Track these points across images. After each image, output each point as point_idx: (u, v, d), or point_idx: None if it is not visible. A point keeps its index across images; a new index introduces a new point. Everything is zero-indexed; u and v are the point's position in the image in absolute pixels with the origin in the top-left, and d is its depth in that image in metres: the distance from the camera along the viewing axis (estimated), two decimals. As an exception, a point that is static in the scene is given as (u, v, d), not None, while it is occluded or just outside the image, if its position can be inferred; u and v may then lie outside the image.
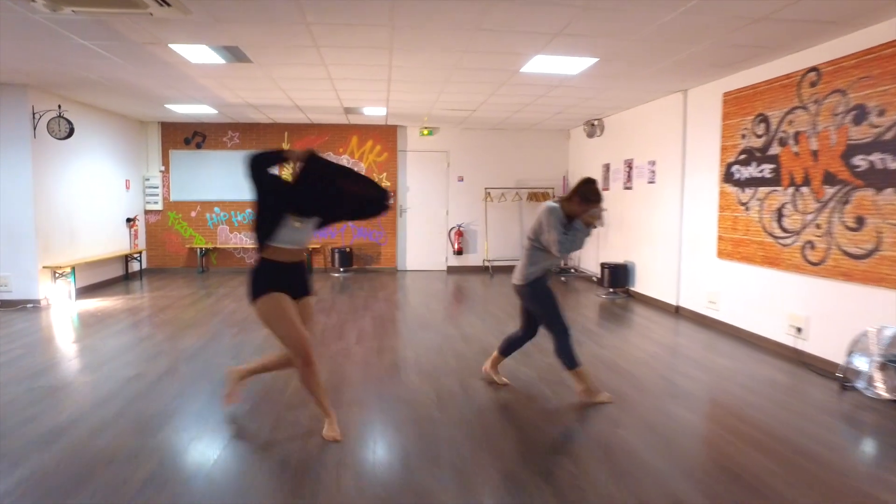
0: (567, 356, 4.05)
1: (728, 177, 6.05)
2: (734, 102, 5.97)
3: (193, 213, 10.33)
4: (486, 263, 10.83)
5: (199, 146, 10.23)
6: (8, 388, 4.15)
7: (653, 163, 7.74)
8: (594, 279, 9.58)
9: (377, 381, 4.51)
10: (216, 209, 10.37)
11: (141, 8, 4.11)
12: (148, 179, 10.16)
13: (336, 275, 10.16)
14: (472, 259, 10.93)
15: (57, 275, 7.50)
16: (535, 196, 10.73)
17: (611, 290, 8.40)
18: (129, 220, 9.68)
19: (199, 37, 4.93)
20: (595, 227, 4.07)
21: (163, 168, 10.20)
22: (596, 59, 5.52)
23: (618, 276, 8.37)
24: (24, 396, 3.99)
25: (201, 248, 10.29)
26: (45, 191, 7.43)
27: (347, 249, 10.24)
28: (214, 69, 6.08)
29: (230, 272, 10.25)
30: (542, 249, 4.01)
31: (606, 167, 9.30)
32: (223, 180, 10.27)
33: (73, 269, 7.63)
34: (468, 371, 4.71)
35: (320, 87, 6.99)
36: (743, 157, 5.82)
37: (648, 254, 7.90)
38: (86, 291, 8.12)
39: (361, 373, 4.67)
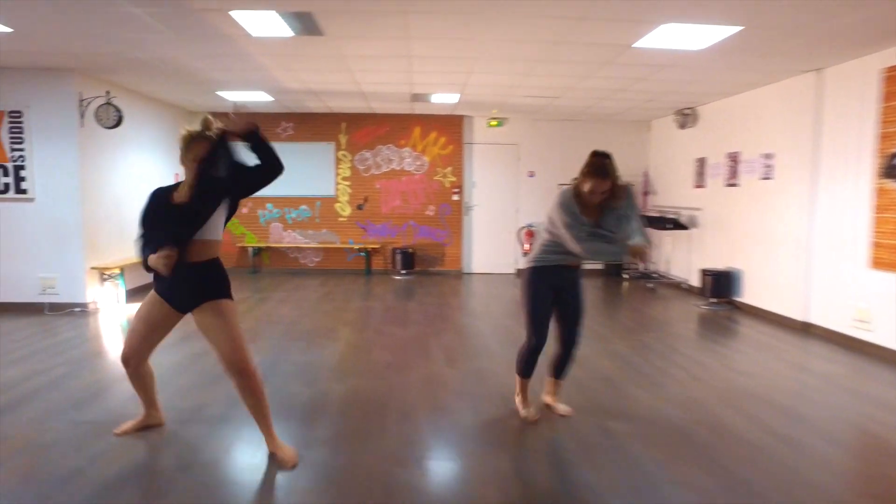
0: (520, 362, 3.58)
1: (891, 171, 5.01)
2: (901, 80, 4.93)
3: (244, 210, 9.65)
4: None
5: (251, 138, 9.53)
6: (48, 423, 3.44)
7: (769, 156, 6.70)
8: (684, 286, 8.58)
9: (494, 422, 3.64)
10: (268, 205, 9.68)
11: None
12: (198, 173, 9.52)
13: (398, 277, 9.36)
14: (541, 261, 9.99)
15: (105, 276, 6.87)
16: (614, 193, 9.73)
17: (712, 300, 7.40)
18: (178, 216, 9.04)
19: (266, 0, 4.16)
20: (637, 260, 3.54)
21: (213, 161, 9.53)
22: (739, 28, 4.55)
23: (721, 284, 7.36)
24: (67, 436, 3.26)
25: (253, 248, 9.61)
26: (92, 185, 6.81)
27: (410, 250, 9.44)
28: (278, 45, 5.30)
29: (283, 273, 9.56)
30: (554, 240, 3.41)
31: (701, 161, 8.28)
32: (276, 174, 9.56)
33: (123, 270, 7.00)
34: (598, 405, 3.82)
35: (394, 66, 6.18)
36: (914, 146, 4.79)
37: (761, 260, 6.86)
38: (135, 294, 7.46)
39: (470, 410, 3.81)
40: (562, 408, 3.71)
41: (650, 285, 8.82)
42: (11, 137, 6.45)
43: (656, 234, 9.14)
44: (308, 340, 5.44)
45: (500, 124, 9.66)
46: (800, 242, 6.18)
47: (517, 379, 3.66)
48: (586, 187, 3.23)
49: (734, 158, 7.44)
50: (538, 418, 3.58)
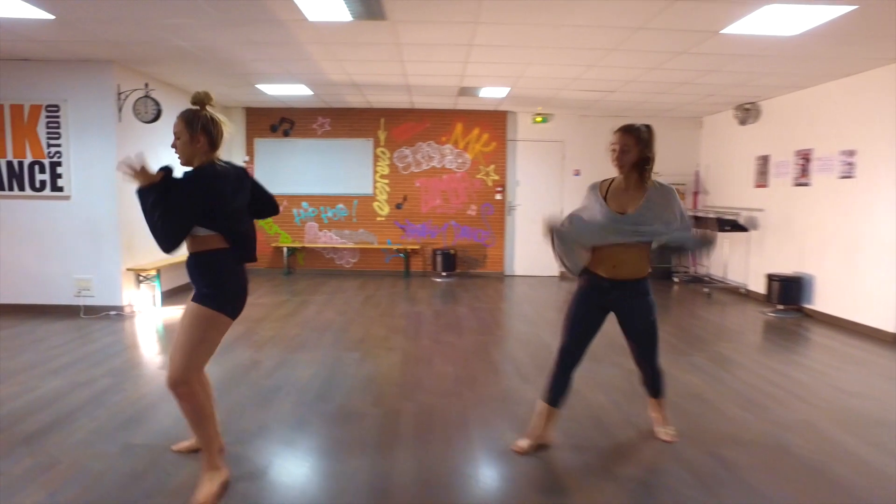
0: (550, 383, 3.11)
1: None
2: None
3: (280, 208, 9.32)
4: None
5: (286, 133, 9.20)
6: (98, 446, 3.08)
7: (850, 153, 6.21)
8: (742, 291, 8.10)
9: (590, 449, 3.22)
10: (304, 204, 9.33)
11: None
12: (232, 171, 9.20)
13: (439, 280, 8.97)
14: (586, 264, 9.55)
15: (141, 278, 6.56)
16: (665, 193, 9.27)
17: (779, 306, 6.92)
18: (212, 215, 8.74)
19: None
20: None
21: (247, 158, 9.22)
22: (852, 8, 4.09)
23: (789, 290, 6.88)
24: (120, 463, 2.90)
25: (287, 248, 9.27)
26: (128, 182, 6.48)
27: (451, 252, 9.04)
28: (332, 30, 4.92)
29: (318, 274, 9.20)
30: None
31: (764, 159, 7.79)
32: (312, 172, 9.23)
33: (159, 271, 6.67)
34: (701, 428, 3.39)
35: (451, 56, 5.78)
36: None
37: (838, 265, 6.37)
38: (170, 296, 7.16)
39: (560, 433, 3.40)
40: (665, 432, 3.29)
41: (706, 290, 8.33)
42: (48, 132, 6.16)
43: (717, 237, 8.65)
44: (362, 351, 5.06)
45: (545, 120, 9.23)
46: (888, 246, 5.69)
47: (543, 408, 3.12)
48: (609, 149, 2.99)
49: (805, 156, 6.95)
50: (526, 452, 3.07)
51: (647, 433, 3.34)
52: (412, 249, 9.25)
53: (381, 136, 9.19)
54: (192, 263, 2.59)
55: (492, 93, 7.65)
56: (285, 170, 9.21)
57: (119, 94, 6.24)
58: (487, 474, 2.91)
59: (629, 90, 7.26)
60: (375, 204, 9.32)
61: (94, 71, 6.13)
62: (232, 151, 9.22)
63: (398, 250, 9.27)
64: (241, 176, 2.67)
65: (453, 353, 5.04)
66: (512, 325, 6.37)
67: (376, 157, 9.24)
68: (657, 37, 4.94)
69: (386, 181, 9.29)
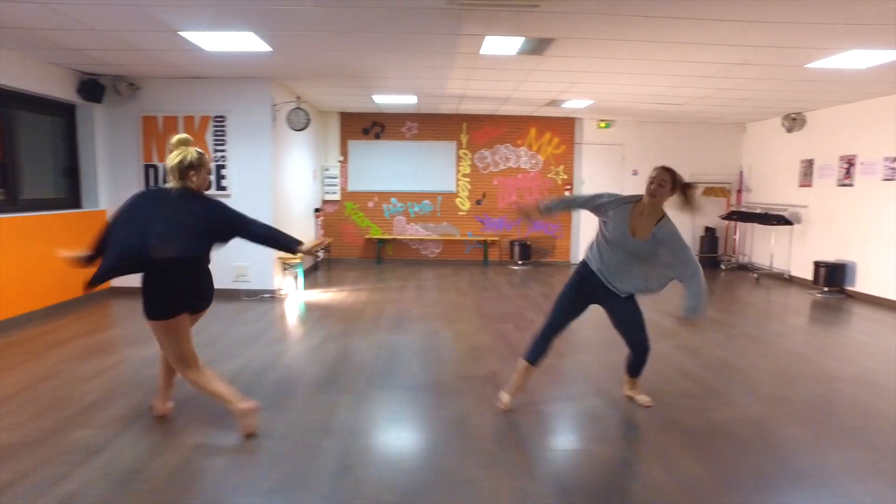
0: (532, 345, 3.70)
1: None
2: None
3: (370, 204, 10.39)
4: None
5: (377, 136, 10.26)
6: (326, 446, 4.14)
7: (894, 159, 7.41)
8: (786, 276, 9.32)
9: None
10: (393, 200, 10.41)
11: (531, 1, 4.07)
12: (327, 170, 10.25)
13: (515, 268, 10.12)
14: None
15: (287, 266, 7.61)
16: (713, 191, 10.46)
17: (824, 288, 8.14)
18: (316, 210, 9.79)
19: (520, 28, 4.84)
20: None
21: (341, 158, 10.27)
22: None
23: (834, 274, 8.10)
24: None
25: (378, 240, 10.35)
26: (278, 181, 7.53)
27: (527, 243, 10.19)
28: (489, 60, 5.97)
29: (404, 263, 10.30)
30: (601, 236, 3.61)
31: (808, 163, 8.98)
32: (400, 171, 10.31)
33: (302, 260, 7.73)
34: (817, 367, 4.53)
35: (566, 78, 6.87)
36: None
37: (879, 254, 7.57)
38: (309, 283, 8.22)
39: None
40: (642, 398, 3.88)
41: (755, 275, 9.55)
42: (215, 139, 7.17)
43: (760, 230, 9.89)
44: (517, 322, 6.17)
45: (608, 126, 10.37)
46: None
47: (521, 364, 3.73)
48: (649, 181, 3.39)
49: (849, 161, 8.14)
50: (508, 407, 3.71)
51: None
52: (491, 241, 10.38)
53: (464, 139, 10.29)
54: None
55: (576, 104, 8.76)
56: (376, 169, 10.28)
57: (273, 105, 7.26)
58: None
59: (700, 104, 8.40)
60: (458, 200, 10.44)
61: (254, 86, 7.11)
62: (328, 152, 10.28)
63: (479, 241, 10.40)
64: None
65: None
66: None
67: (459, 158, 10.34)
68: (751, 69, 6.07)
69: (467, 179, 10.40)
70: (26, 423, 3.41)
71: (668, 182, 3.38)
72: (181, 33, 5.02)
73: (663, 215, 3.43)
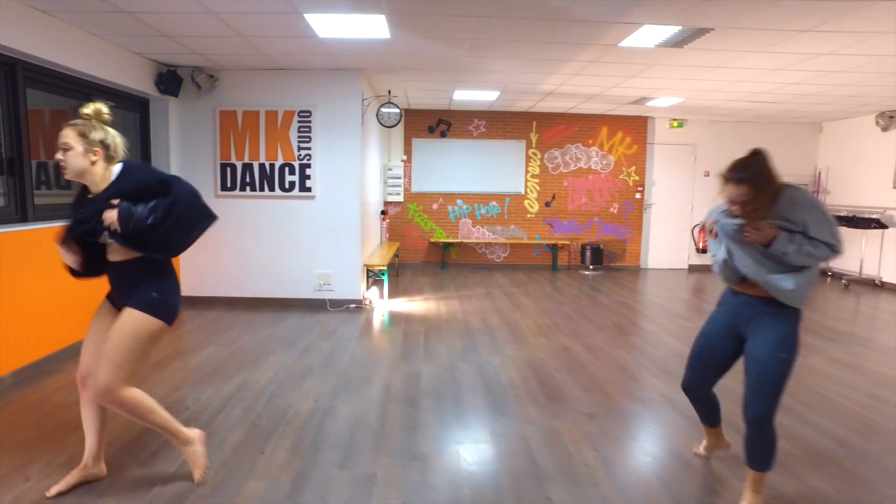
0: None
1: None
2: None
3: (435, 206, 9.91)
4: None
5: (443, 134, 9.77)
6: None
7: None
8: (877, 283, 8.91)
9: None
10: (458, 201, 9.93)
11: None
12: (390, 170, 9.76)
13: (586, 273, 9.66)
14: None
15: (372, 274, 7.11)
16: (790, 193, 10.04)
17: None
18: (382, 212, 9.30)
19: (684, 16, 4.39)
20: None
21: (405, 157, 9.78)
22: None
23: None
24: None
25: (443, 243, 9.86)
26: (364, 182, 7.03)
27: (599, 247, 9.73)
28: (622, 52, 5.51)
29: (470, 268, 9.82)
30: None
31: (904, 163, 8.60)
32: (467, 171, 9.83)
33: (387, 268, 7.22)
34: None
35: (684, 74, 6.42)
36: None
37: None
38: (393, 293, 7.72)
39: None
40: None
41: (844, 282, 9.14)
42: (300, 136, 6.66)
43: (847, 234, 9.48)
44: (627, 334, 5.72)
45: (680, 125, 9.94)
46: None
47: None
48: (724, 196, 2.49)
49: (956, 162, 7.74)
50: (703, 455, 3.13)
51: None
52: (561, 244, 9.91)
53: (533, 138, 9.82)
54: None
55: (664, 102, 8.31)
56: (441, 169, 9.79)
57: (363, 100, 6.75)
58: None
59: (794, 102, 7.97)
60: (526, 202, 9.96)
61: (344, 78, 6.57)
62: (391, 151, 9.78)
63: (548, 245, 9.93)
64: None
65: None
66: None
67: (528, 158, 9.87)
68: (866, 77, 5.65)
69: (536, 181, 9.93)
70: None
71: (751, 194, 2.42)
72: (306, 15, 4.52)
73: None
